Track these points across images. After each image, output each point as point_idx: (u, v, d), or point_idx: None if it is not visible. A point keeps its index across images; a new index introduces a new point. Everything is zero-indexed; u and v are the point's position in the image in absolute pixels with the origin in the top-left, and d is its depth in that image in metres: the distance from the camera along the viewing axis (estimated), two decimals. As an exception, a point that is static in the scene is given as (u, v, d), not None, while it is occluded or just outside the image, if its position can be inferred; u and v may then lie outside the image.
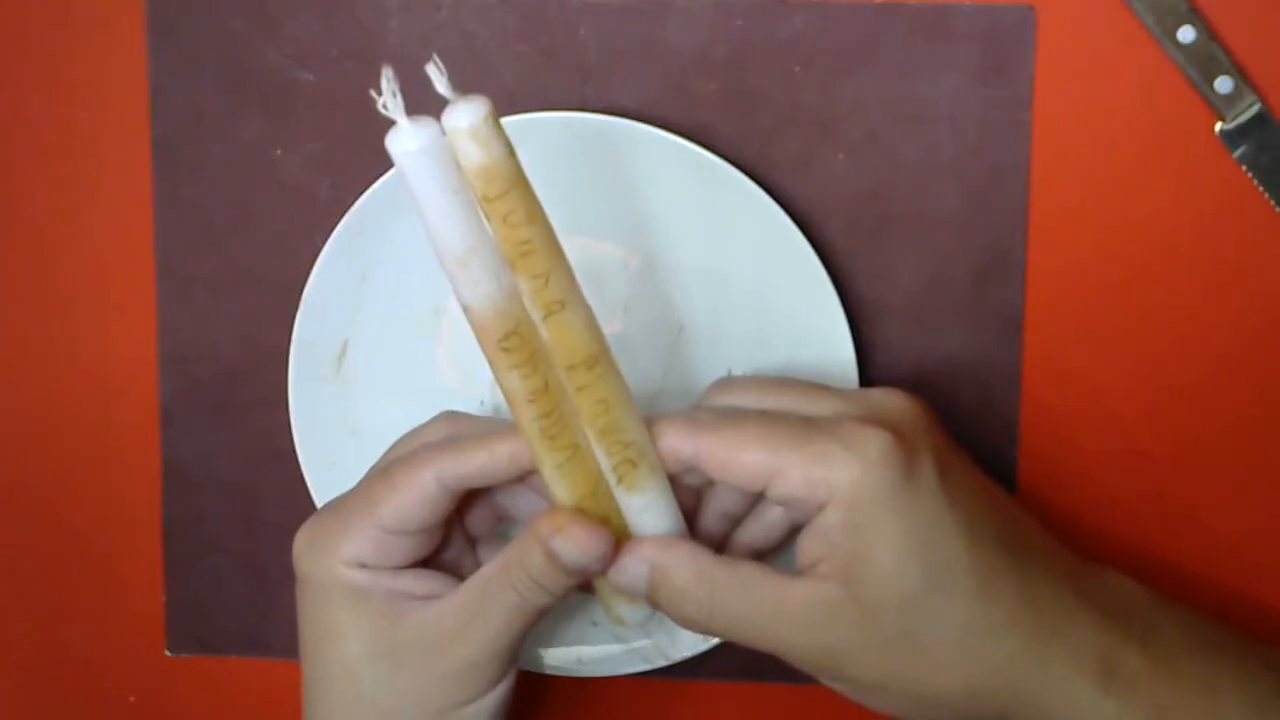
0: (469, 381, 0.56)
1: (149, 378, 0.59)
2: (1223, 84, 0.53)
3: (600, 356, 0.45)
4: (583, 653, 0.56)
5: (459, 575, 0.50)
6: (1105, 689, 0.46)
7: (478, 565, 0.51)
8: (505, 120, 0.53)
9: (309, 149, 0.57)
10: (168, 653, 0.60)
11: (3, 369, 0.60)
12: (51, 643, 0.61)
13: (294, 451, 0.56)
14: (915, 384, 0.54)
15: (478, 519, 0.52)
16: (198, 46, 0.57)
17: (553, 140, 0.53)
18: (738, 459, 0.46)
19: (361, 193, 0.54)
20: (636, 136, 0.53)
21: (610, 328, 0.55)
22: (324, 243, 0.55)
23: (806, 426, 0.46)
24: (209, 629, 0.60)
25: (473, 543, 0.52)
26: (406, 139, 0.42)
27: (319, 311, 0.56)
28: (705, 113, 0.55)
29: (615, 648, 0.55)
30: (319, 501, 0.56)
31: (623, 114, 0.54)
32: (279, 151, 0.57)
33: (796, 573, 0.47)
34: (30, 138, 0.58)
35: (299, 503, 0.57)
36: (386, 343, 0.57)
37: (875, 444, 0.45)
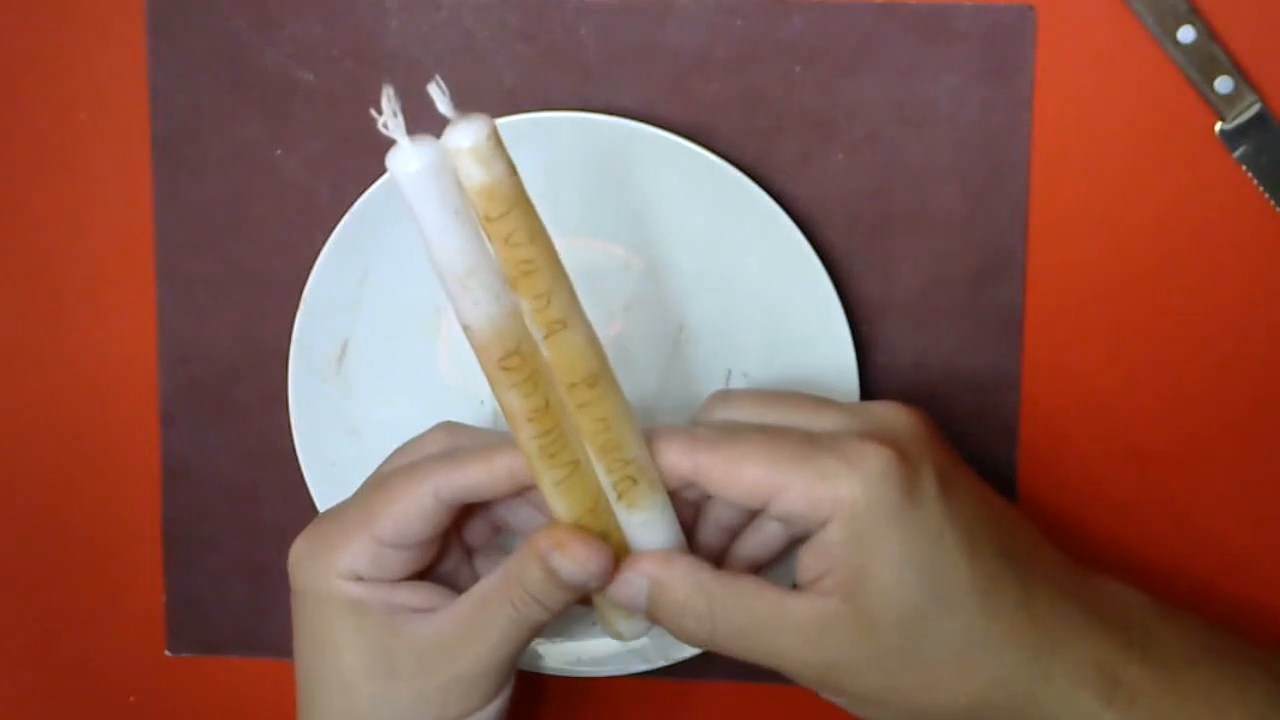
0: (469, 381, 0.56)
1: (149, 378, 0.59)
2: (1223, 84, 0.53)
3: (601, 374, 0.45)
4: (583, 653, 0.56)
5: (456, 587, 0.50)
6: (1107, 701, 0.46)
7: (475, 576, 0.51)
8: (505, 120, 0.53)
9: (309, 149, 0.57)
10: (167, 653, 0.60)
11: (3, 369, 0.60)
12: (51, 643, 0.61)
13: (294, 451, 0.56)
14: (914, 384, 0.55)
15: (475, 530, 0.51)
16: (198, 46, 0.57)
17: (552, 140, 0.53)
18: (739, 476, 0.46)
19: (361, 193, 0.54)
20: (636, 136, 0.53)
21: (610, 328, 0.55)
22: (324, 243, 0.55)
23: (808, 443, 0.46)
24: (208, 629, 0.60)
25: (470, 553, 0.52)
26: (408, 159, 0.41)
27: (319, 311, 0.56)
28: (705, 113, 0.55)
29: (615, 647, 0.55)
30: (319, 501, 0.56)
31: (623, 114, 0.54)
32: (279, 151, 0.57)
33: (795, 585, 0.47)
34: (30, 138, 0.58)
35: (299, 503, 0.57)
36: (386, 343, 0.57)
37: (877, 461, 0.45)
